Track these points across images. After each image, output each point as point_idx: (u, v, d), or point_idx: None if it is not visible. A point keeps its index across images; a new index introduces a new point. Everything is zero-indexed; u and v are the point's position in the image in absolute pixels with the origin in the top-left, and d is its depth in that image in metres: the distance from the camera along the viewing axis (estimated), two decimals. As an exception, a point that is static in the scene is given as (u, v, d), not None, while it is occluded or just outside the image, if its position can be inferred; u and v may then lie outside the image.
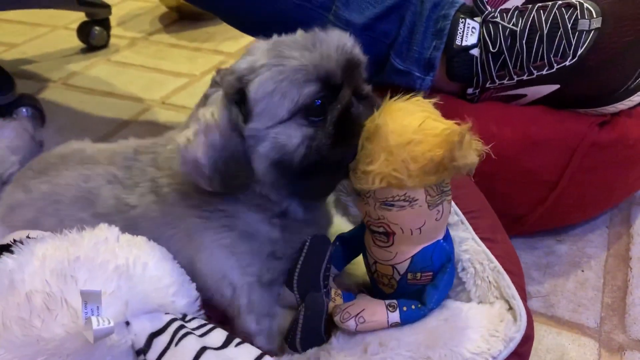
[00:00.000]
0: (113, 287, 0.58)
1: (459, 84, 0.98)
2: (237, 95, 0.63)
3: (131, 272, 0.61)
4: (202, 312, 0.68)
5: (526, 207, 0.98)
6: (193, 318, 0.64)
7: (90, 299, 0.54)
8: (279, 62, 0.63)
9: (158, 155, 0.73)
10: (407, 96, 0.65)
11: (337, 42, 0.65)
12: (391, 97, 0.65)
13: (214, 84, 0.66)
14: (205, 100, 0.66)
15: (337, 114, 0.64)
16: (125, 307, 0.58)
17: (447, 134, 0.60)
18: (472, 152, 0.60)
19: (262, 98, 0.63)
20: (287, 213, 0.71)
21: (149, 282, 0.61)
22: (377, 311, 0.66)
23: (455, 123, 0.62)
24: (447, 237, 0.70)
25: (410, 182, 0.61)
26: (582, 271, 1.00)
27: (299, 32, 0.67)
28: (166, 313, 0.62)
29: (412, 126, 0.61)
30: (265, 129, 0.63)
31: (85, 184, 0.76)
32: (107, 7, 1.92)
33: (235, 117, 0.63)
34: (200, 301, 0.67)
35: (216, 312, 0.72)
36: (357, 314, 0.66)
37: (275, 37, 0.68)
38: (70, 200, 0.76)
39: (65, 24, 2.12)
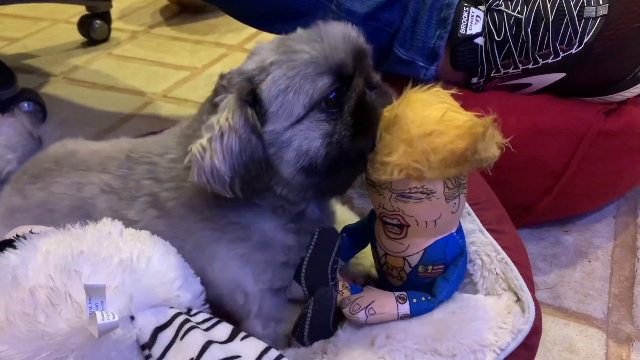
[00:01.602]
0: (117, 281, 0.57)
1: (464, 74, 0.97)
2: (250, 96, 0.62)
3: (135, 266, 0.60)
4: (207, 305, 0.67)
5: (533, 196, 0.97)
6: (198, 312, 0.64)
7: (95, 293, 0.53)
8: (289, 58, 0.61)
9: (155, 166, 0.71)
10: (426, 87, 0.63)
11: (343, 33, 0.63)
12: (406, 88, 0.64)
13: (221, 89, 0.64)
14: (213, 107, 0.63)
15: (353, 103, 0.63)
16: (129, 302, 0.57)
17: (469, 125, 0.58)
18: (494, 144, 0.58)
19: (276, 96, 0.61)
20: (304, 214, 0.70)
21: (153, 277, 0.61)
22: (386, 303, 0.66)
23: (477, 115, 0.60)
24: (460, 230, 0.69)
25: (430, 174, 0.59)
26: (589, 262, 0.99)
27: (300, 29, 0.66)
28: (171, 307, 0.61)
29: (432, 117, 0.60)
30: (283, 130, 0.62)
31: (80, 193, 0.74)
32: (108, 1, 1.91)
33: (252, 119, 0.61)
34: (204, 295, 0.67)
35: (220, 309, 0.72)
36: (367, 306, 0.65)
37: (275, 37, 0.66)
38: (65, 210, 0.74)
39: (66, 17, 2.12)
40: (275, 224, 0.69)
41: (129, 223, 0.69)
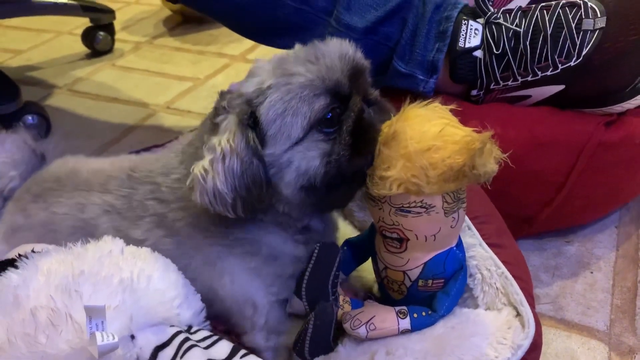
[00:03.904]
0: (117, 301, 0.58)
1: (463, 86, 0.97)
2: (250, 119, 0.63)
3: (135, 285, 0.60)
4: (208, 322, 0.68)
5: (534, 208, 0.97)
6: (198, 329, 0.64)
7: (95, 314, 0.54)
8: (285, 81, 0.62)
9: (158, 186, 0.72)
10: (425, 102, 0.64)
11: (339, 51, 0.64)
12: (404, 103, 0.64)
13: (221, 109, 0.65)
14: (214, 127, 0.64)
15: (351, 122, 0.63)
16: (129, 321, 0.58)
17: (467, 141, 0.59)
18: (492, 160, 0.59)
19: (274, 120, 0.62)
20: (309, 227, 0.71)
21: (153, 296, 0.61)
22: (387, 318, 0.66)
23: (475, 130, 0.61)
24: (460, 244, 0.69)
25: (428, 189, 0.60)
26: (591, 273, 0.99)
27: (297, 46, 0.67)
28: (171, 325, 0.61)
29: (431, 132, 0.60)
30: (282, 152, 0.63)
31: (82, 214, 0.75)
32: (111, 12, 1.92)
33: (253, 142, 0.62)
34: (205, 312, 0.67)
35: (221, 323, 0.72)
36: (368, 321, 0.65)
37: (274, 56, 0.67)
38: (68, 231, 0.75)
39: (69, 29, 2.13)
40: (284, 237, 0.70)
41: (135, 242, 0.70)
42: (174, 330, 0.61)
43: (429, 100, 0.64)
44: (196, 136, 0.70)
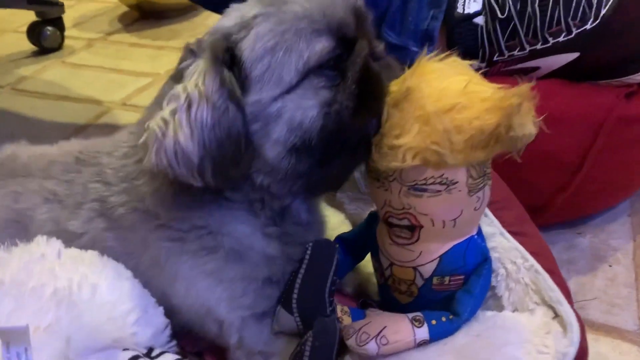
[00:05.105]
0: (50, 319, 0.46)
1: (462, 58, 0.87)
2: (227, 55, 0.50)
3: (75, 297, 0.48)
4: (174, 343, 0.54)
5: (546, 195, 0.88)
6: (161, 352, 0.51)
7: (15, 338, 0.39)
8: (277, 9, 0.50)
9: (103, 167, 0.59)
10: (441, 55, 0.54)
11: None
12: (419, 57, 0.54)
13: (189, 54, 0.52)
14: (178, 76, 0.52)
15: (358, 69, 0.51)
16: (66, 345, 0.45)
17: (499, 97, 0.49)
18: (531, 120, 0.50)
19: (261, 57, 0.50)
20: (288, 214, 0.58)
21: (100, 310, 0.49)
22: (401, 328, 0.54)
23: (502, 88, 0.51)
24: (480, 232, 0.59)
25: (452, 159, 0.50)
26: (610, 266, 0.90)
27: None
28: (124, 349, 0.49)
29: (452, 89, 0.51)
30: (271, 100, 0.50)
31: (16, 204, 0.63)
32: (60, 6, 1.80)
33: (230, 83, 0.49)
34: (170, 329, 0.54)
35: (192, 341, 0.58)
36: (378, 334, 0.53)
37: None
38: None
39: (14, 27, 2.00)
40: (252, 228, 0.57)
41: (72, 237, 0.58)
42: (128, 355, 0.49)
43: (447, 54, 0.54)
44: (154, 102, 0.57)
